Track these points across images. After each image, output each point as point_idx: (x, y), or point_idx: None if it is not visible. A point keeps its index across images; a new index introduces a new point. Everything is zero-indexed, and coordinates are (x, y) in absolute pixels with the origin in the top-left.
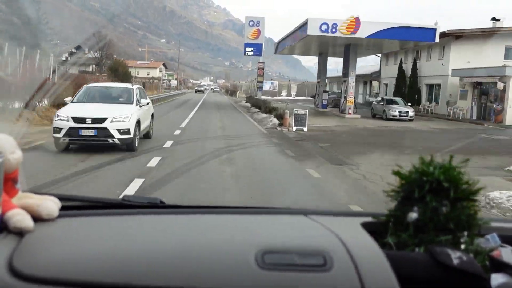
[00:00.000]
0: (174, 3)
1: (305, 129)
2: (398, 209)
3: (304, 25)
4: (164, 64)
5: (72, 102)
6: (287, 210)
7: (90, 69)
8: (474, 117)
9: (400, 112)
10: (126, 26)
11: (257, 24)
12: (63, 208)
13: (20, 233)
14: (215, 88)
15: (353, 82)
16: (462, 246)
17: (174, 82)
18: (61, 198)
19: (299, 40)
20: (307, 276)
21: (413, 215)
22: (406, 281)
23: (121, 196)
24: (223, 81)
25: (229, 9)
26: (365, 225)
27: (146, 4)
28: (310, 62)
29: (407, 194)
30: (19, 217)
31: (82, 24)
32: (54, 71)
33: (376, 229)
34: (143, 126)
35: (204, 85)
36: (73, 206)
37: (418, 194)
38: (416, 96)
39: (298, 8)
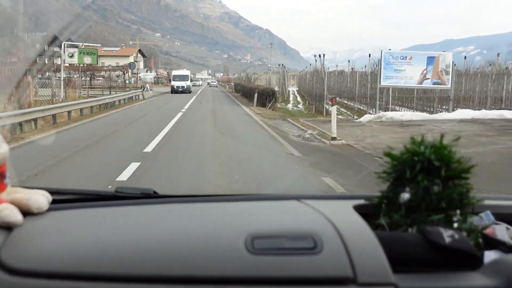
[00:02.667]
0: None
1: None
2: (390, 190)
3: None
4: (140, 51)
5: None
6: (281, 196)
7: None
8: None
9: None
10: (119, 21)
11: None
12: (54, 202)
13: (9, 227)
14: (212, 82)
15: None
16: (455, 225)
17: (149, 76)
18: (51, 191)
19: None
20: (297, 259)
21: (405, 196)
22: (398, 261)
23: (110, 187)
24: (222, 74)
25: (224, 2)
26: (357, 208)
27: None
28: (308, 53)
29: (399, 175)
30: (7, 212)
31: (68, 18)
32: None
33: (369, 211)
34: None
35: (199, 79)
36: (65, 199)
37: (409, 175)
38: None
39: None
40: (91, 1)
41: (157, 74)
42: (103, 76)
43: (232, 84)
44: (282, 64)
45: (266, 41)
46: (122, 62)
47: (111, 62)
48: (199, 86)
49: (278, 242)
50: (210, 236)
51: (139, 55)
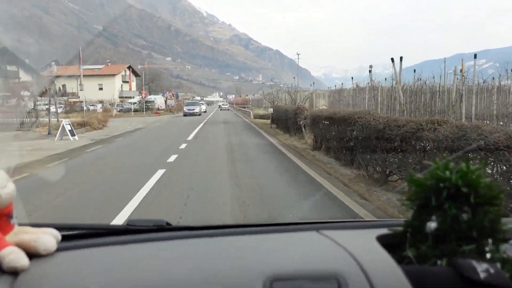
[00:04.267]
0: (179, 22)
1: None
2: (415, 218)
3: None
4: (132, 69)
5: None
6: (298, 227)
7: None
8: None
9: None
10: (130, 46)
11: None
12: (64, 238)
13: (15, 272)
14: (223, 105)
15: None
16: (488, 255)
17: (160, 101)
18: (60, 227)
19: None
20: None
21: (432, 225)
22: None
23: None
24: (234, 96)
25: (234, 25)
26: (380, 239)
27: (151, 24)
28: (319, 72)
29: (424, 202)
30: (12, 256)
31: (77, 45)
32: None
33: (394, 241)
34: None
35: (202, 103)
36: (75, 235)
37: (435, 202)
38: None
39: (303, 17)
40: (102, 28)
41: (141, 98)
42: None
43: (252, 108)
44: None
45: (277, 62)
46: (107, 83)
47: (93, 83)
48: (200, 115)
49: (299, 284)
50: (226, 278)
51: (131, 75)
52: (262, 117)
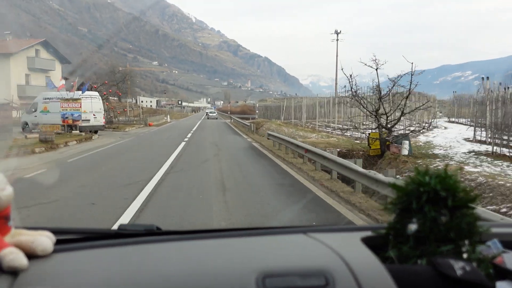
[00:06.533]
0: (167, 27)
1: None
2: (397, 221)
3: None
4: (51, 47)
5: None
6: (286, 230)
7: None
8: None
9: None
10: (115, 49)
11: None
12: (58, 242)
13: (15, 272)
14: (211, 113)
15: None
16: (465, 255)
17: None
18: (54, 231)
19: None
20: None
21: (413, 227)
22: None
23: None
24: (222, 102)
25: (223, 31)
26: (365, 240)
27: (138, 28)
28: (306, 80)
29: (405, 205)
30: (12, 256)
31: (64, 48)
32: None
33: (377, 243)
34: None
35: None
36: (69, 239)
37: (416, 205)
38: None
39: (292, 29)
40: (87, 30)
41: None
42: None
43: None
44: None
45: (266, 69)
46: None
47: None
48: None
49: (290, 280)
50: (219, 276)
51: (47, 56)
52: None
